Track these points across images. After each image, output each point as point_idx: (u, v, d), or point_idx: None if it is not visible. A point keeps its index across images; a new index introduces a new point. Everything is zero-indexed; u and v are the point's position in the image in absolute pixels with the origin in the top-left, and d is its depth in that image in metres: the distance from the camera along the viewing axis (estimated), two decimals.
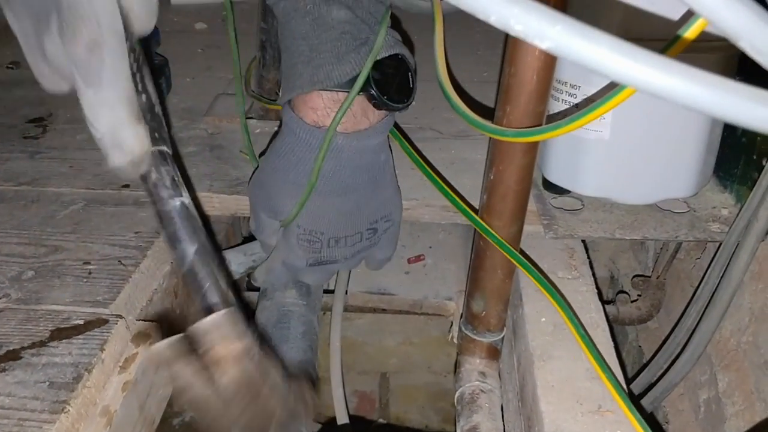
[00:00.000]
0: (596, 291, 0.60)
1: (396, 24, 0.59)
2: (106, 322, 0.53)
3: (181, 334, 0.38)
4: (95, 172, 0.73)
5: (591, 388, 0.50)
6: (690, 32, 0.30)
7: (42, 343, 0.51)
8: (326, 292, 0.79)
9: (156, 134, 0.41)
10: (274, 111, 0.83)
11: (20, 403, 0.46)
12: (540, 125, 0.46)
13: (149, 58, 0.44)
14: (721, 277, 0.60)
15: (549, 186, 0.68)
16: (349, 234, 0.61)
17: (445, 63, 0.52)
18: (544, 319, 0.57)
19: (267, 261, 0.66)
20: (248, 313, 0.41)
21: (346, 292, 0.80)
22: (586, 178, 0.64)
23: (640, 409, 0.49)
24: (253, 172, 0.66)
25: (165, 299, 0.63)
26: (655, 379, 0.72)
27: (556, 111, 0.61)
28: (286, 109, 0.59)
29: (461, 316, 0.62)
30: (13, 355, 0.50)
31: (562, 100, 0.61)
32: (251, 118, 0.83)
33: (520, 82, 0.45)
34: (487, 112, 0.48)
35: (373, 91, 0.55)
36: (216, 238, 0.80)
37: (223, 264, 0.67)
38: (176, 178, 0.42)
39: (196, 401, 0.39)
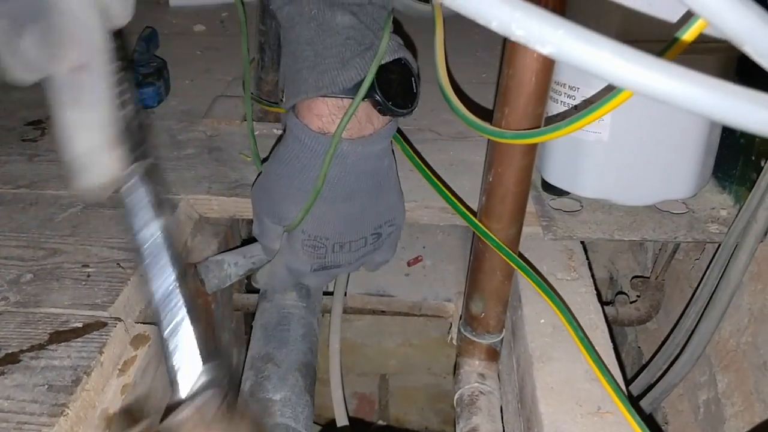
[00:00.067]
0: (595, 292, 0.60)
1: (398, 28, 0.59)
2: (104, 325, 0.53)
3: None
4: None
5: (590, 389, 0.50)
6: (688, 34, 0.30)
7: (41, 346, 0.51)
8: (325, 293, 0.79)
9: (134, 151, 0.39)
10: (272, 113, 0.83)
11: (19, 407, 0.46)
12: (539, 127, 0.46)
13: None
14: (720, 277, 0.60)
15: (548, 187, 0.68)
16: (354, 239, 0.61)
17: (446, 67, 0.52)
18: (543, 321, 0.57)
19: (270, 264, 0.65)
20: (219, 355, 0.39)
21: (345, 294, 0.80)
22: (585, 179, 0.64)
23: (639, 411, 0.49)
24: (257, 176, 0.65)
25: None
26: (654, 379, 0.72)
27: (555, 113, 0.61)
28: (290, 114, 0.58)
29: (460, 318, 0.62)
30: (12, 359, 0.50)
31: (561, 101, 0.61)
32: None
33: (518, 84, 0.45)
34: (485, 114, 0.48)
35: (378, 97, 0.55)
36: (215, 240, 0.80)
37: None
38: (152, 200, 0.39)
39: None
